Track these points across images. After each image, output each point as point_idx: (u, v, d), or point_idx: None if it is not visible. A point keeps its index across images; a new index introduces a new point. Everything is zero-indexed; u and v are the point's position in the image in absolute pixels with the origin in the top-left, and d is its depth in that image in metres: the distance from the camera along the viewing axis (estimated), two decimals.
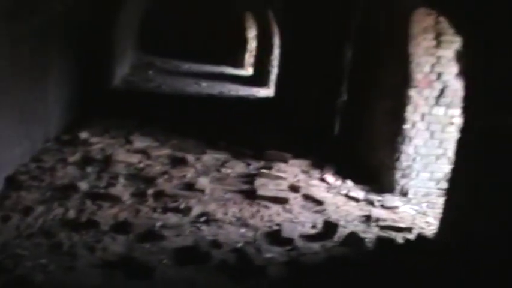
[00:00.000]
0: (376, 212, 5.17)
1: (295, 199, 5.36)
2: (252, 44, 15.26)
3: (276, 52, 12.02)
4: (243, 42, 15.53)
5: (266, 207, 5.08)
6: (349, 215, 5.12)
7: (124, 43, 11.95)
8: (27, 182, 4.98)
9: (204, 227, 4.53)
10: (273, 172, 6.02)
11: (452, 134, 5.42)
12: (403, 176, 5.66)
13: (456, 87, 5.37)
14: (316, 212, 5.14)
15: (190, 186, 5.36)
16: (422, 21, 5.25)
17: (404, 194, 5.66)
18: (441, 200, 4.97)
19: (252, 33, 15.27)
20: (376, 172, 6.00)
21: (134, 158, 6.05)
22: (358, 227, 4.84)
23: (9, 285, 3.33)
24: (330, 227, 4.64)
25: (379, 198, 5.58)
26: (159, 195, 5.06)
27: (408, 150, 5.60)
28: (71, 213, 4.49)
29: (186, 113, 8.94)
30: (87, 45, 7.85)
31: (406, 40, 5.37)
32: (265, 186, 5.57)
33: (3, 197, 4.61)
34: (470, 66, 4.35)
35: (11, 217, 4.25)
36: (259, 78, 13.18)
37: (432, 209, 5.40)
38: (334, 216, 5.02)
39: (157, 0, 15.12)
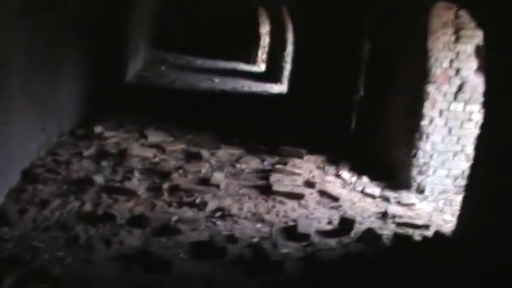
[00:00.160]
0: (393, 209, 5.12)
1: (311, 195, 5.33)
2: (265, 40, 15.21)
3: (290, 48, 11.96)
4: (256, 38, 15.49)
5: (282, 202, 5.06)
6: (365, 212, 5.08)
7: (137, 39, 11.96)
8: (44, 175, 5.00)
9: (219, 222, 4.52)
10: (288, 168, 6.00)
11: (471, 131, 5.37)
12: (420, 173, 5.60)
13: (475, 83, 5.32)
14: (332, 208, 5.10)
15: (205, 181, 5.35)
16: (442, 15, 5.18)
17: (420, 191, 5.60)
18: (458, 198, 4.92)
19: (265, 29, 15.21)
20: (392, 168, 5.94)
21: (149, 153, 6.05)
22: (375, 224, 4.80)
23: (27, 277, 3.34)
24: (346, 223, 4.60)
25: (395, 195, 5.52)
26: (174, 189, 5.06)
27: (425, 146, 5.54)
28: (87, 207, 4.50)
29: (199, 109, 8.93)
30: (101, 40, 7.86)
31: (425, 35, 5.30)
32: (281, 182, 5.54)
33: (20, 190, 4.63)
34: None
35: (28, 210, 4.27)
36: (272, 74, 13.13)
37: (449, 206, 5.34)
38: (350, 213, 4.99)
39: None
